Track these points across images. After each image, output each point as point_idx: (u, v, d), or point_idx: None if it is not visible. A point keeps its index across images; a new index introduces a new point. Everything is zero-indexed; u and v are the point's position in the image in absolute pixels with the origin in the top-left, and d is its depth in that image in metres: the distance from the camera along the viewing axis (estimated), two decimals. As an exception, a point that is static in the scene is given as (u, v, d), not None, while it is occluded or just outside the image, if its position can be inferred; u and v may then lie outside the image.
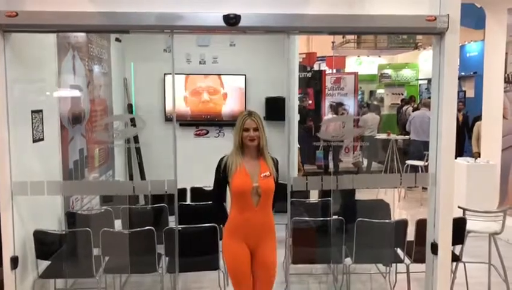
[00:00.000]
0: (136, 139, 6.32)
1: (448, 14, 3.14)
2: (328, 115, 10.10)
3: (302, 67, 10.51)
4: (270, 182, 2.99)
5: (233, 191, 2.98)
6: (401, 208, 7.03)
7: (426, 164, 6.75)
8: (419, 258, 3.71)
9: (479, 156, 6.70)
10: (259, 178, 2.96)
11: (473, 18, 8.63)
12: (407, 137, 8.46)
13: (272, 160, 3.08)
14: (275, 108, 6.99)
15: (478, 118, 7.81)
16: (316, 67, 12.14)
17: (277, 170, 3.10)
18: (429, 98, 12.45)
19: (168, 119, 6.80)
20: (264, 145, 3.02)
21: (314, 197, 4.89)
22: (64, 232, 3.93)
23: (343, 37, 13.15)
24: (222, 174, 3.01)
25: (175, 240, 3.52)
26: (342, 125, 3.72)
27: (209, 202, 4.55)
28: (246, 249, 3.00)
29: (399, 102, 13.66)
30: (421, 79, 14.38)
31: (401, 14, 3.16)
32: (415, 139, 8.36)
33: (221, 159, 3.06)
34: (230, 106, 7.05)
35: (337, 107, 10.04)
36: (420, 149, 8.17)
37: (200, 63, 7.08)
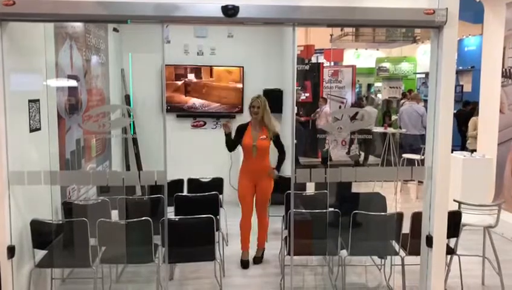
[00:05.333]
0: (133, 129, 6.32)
1: (446, 8, 3.14)
2: (325, 108, 10.11)
3: (300, 60, 10.50)
4: (264, 142, 4.54)
5: (242, 146, 4.62)
6: (397, 201, 7.05)
7: (422, 157, 6.77)
8: (414, 251, 3.74)
9: None
10: (258, 140, 4.52)
11: (471, 12, 8.62)
12: (403, 130, 8.47)
13: (271, 130, 4.54)
14: (273, 100, 7.00)
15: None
16: (313, 59, 12.11)
17: (278, 138, 4.59)
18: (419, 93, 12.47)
19: (167, 110, 6.79)
20: (266, 118, 4.53)
21: (310, 189, 4.92)
22: (60, 222, 3.93)
23: (342, 30, 13.09)
24: (238, 133, 4.65)
25: (164, 230, 3.55)
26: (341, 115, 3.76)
27: (206, 193, 4.61)
28: (251, 182, 4.65)
29: (396, 95, 13.65)
30: (418, 73, 14.38)
31: (399, 7, 3.16)
32: (405, 133, 8.39)
33: (240, 125, 4.73)
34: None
35: (358, 100, 10.29)
36: (411, 143, 8.18)
37: (197, 54, 7.05)
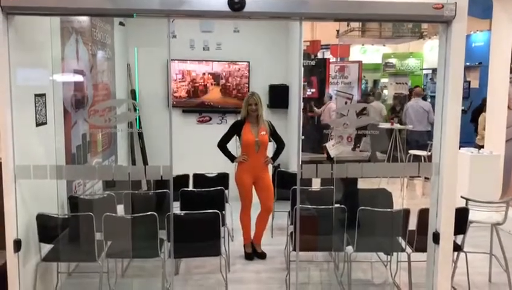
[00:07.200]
0: (139, 124, 6.31)
1: (455, 2, 3.10)
2: (330, 103, 10.07)
3: (306, 55, 10.46)
4: (266, 137, 4.65)
5: (243, 142, 4.67)
6: (403, 197, 7.02)
7: (429, 153, 6.72)
8: (421, 248, 3.71)
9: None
10: (259, 135, 4.61)
11: (480, 7, 8.53)
12: (410, 127, 8.41)
13: (267, 124, 4.68)
14: (279, 96, 6.98)
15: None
16: (319, 55, 12.06)
17: (274, 128, 4.74)
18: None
19: (173, 105, 6.78)
20: (261, 114, 4.62)
21: (316, 185, 4.91)
22: (66, 217, 3.94)
23: (348, 25, 13.00)
24: (235, 130, 4.71)
25: (170, 225, 3.53)
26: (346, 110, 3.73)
27: (211, 188, 4.61)
28: (250, 178, 4.72)
29: (403, 91, 13.56)
30: (425, 69, 14.28)
31: (407, 1, 3.12)
32: (411, 129, 8.32)
33: (236, 121, 4.80)
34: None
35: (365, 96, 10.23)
36: (417, 139, 8.11)
37: (203, 49, 7.03)
